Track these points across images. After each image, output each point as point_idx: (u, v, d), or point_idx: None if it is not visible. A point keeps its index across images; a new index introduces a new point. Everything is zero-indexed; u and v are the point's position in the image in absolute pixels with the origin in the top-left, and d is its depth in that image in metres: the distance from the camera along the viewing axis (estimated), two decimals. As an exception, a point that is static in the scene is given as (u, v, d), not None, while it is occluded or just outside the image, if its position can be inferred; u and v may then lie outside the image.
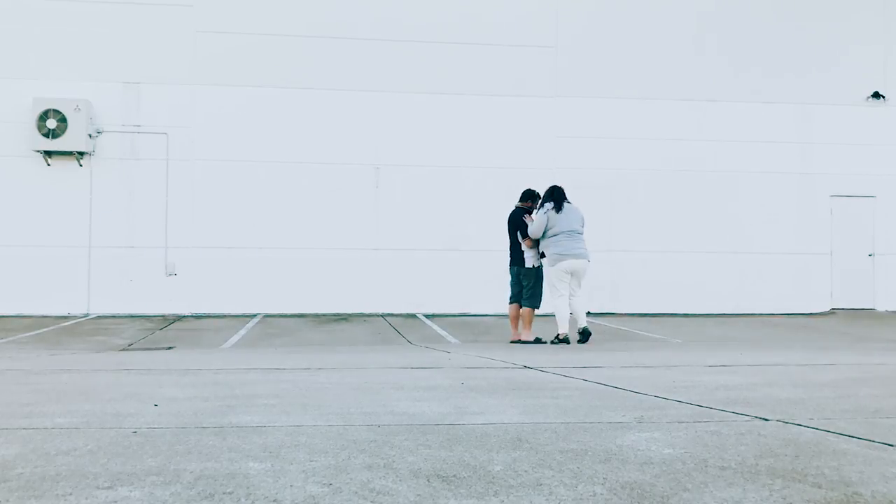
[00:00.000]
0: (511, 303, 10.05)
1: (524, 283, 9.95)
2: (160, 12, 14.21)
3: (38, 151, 13.70)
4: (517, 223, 10.02)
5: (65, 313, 13.68)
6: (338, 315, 14.03)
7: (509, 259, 10.09)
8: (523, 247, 9.92)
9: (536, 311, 9.92)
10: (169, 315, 13.76)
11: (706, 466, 2.80)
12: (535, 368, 6.50)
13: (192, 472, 2.73)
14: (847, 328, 12.88)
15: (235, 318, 13.49)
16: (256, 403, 4.45)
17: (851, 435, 3.38)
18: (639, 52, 15.26)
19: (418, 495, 2.43)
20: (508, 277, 10.17)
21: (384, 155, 14.67)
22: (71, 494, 2.45)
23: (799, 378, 5.76)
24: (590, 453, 3.04)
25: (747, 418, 3.87)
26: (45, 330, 11.67)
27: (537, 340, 9.78)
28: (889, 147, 15.88)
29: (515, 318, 10.02)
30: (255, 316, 13.65)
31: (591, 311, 14.81)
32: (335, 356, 8.19)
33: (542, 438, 3.34)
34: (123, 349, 9.81)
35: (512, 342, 9.86)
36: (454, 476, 2.67)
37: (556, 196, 9.64)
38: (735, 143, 15.36)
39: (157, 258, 14.11)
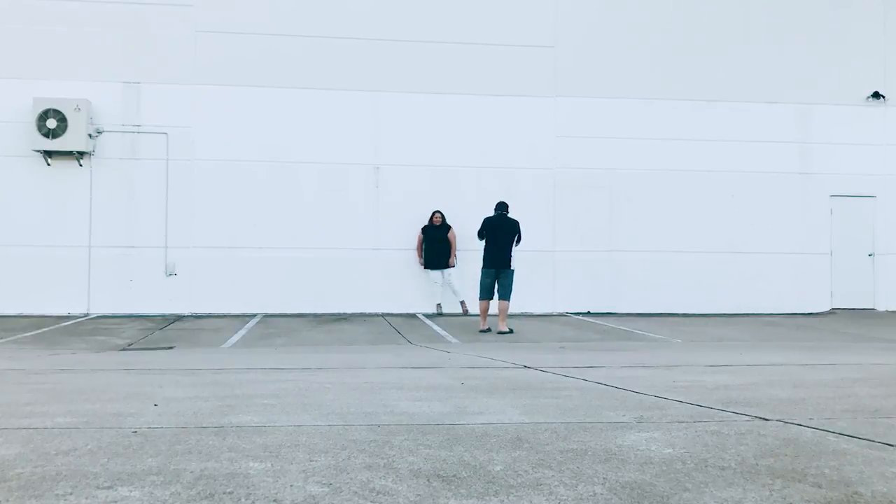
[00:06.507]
0: (483, 299, 11.76)
1: (505, 282, 11.59)
2: (160, 12, 14.20)
3: (38, 151, 13.69)
4: (517, 231, 11.76)
5: (65, 313, 13.67)
6: (338, 315, 14.02)
7: (495, 261, 11.67)
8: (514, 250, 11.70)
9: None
10: (169, 315, 13.75)
11: (706, 466, 2.80)
12: (535, 368, 6.50)
13: (192, 472, 2.73)
14: (847, 328, 12.87)
15: (235, 318, 13.48)
16: (256, 403, 4.45)
17: (851, 435, 3.38)
18: (639, 51, 15.24)
19: (418, 495, 2.43)
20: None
21: (384, 155, 14.65)
22: (71, 494, 2.45)
23: (799, 378, 5.76)
24: (590, 453, 3.04)
25: (747, 418, 3.86)
26: (45, 330, 11.66)
27: (511, 331, 11.48)
28: (889, 147, 15.86)
29: (486, 312, 11.78)
30: (254, 316, 13.65)
31: (592, 311, 14.84)
32: (335, 356, 8.19)
33: (542, 438, 3.34)
34: (123, 349, 9.80)
35: (481, 331, 11.58)
36: (454, 476, 2.67)
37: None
38: (735, 143, 15.35)
39: (157, 258, 14.10)
